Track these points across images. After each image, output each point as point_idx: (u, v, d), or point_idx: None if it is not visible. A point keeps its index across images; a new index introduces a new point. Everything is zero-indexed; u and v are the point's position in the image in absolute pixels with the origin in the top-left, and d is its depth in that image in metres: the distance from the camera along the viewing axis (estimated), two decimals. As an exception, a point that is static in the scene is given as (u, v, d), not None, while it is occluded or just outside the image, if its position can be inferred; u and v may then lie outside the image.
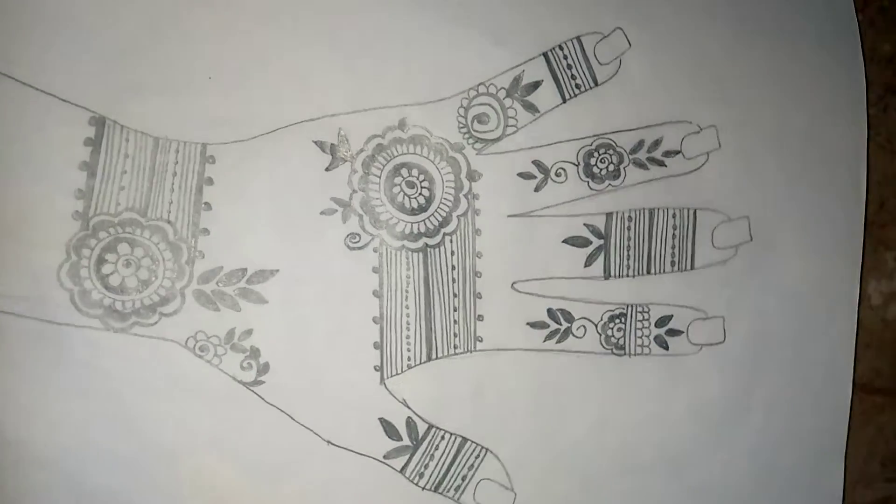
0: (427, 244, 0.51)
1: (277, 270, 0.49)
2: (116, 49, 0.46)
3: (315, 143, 0.49)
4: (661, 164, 0.55)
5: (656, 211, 0.55)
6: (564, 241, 0.54)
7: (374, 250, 0.50)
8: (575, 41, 0.53)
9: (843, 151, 0.60)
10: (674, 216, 0.55)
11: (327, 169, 0.49)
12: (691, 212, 0.56)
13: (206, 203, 0.47)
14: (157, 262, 0.47)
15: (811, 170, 0.59)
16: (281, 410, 0.49)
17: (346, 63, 0.50)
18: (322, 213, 0.49)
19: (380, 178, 0.50)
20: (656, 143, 0.55)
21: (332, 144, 0.49)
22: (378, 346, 0.51)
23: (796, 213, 0.59)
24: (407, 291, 0.51)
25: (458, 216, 0.52)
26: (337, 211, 0.50)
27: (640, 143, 0.55)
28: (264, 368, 0.49)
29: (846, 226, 0.60)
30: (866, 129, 0.60)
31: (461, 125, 0.52)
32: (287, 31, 0.49)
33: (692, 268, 0.56)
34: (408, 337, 0.51)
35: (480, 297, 0.52)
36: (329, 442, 0.50)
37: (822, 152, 0.59)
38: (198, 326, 0.48)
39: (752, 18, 0.57)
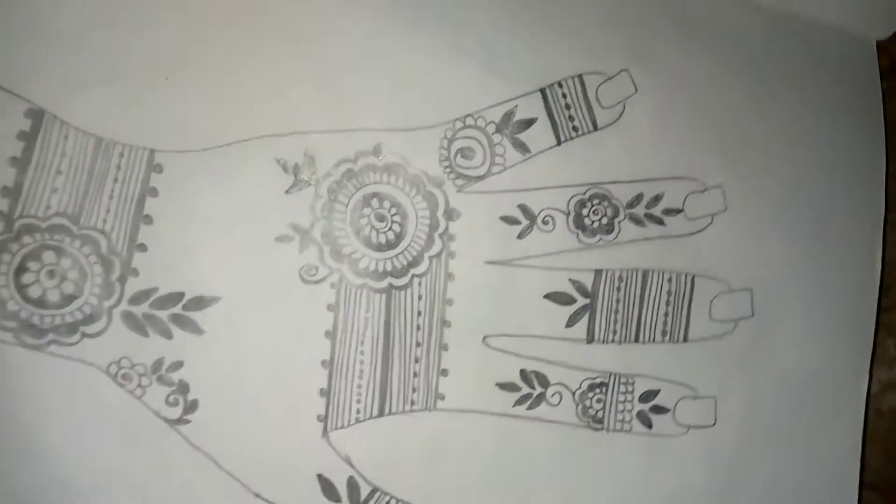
0: (392, 285, 0.46)
1: (219, 298, 0.43)
2: (64, 35, 0.42)
3: (277, 161, 0.44)
4: (660, 222, 0.50)
5: (650, 273, 0.50)
6: (546, 297, 0.48)
7: (332, 286, 0.45)
8: (576, 79, 0.49)
9: (859, 227, 0.55)
10: (669, 281, 0.50)
11: (288, 191, 0.45)
12: (689, 278, 0.51)
13: (146, 216, 0.43)
14: (85, 275, 0.42)
15: (823, 244, 0.54)
16: (206, 454, 0.43)
17: (323, 77, 0.45)
18: (277, 239, 0.44)
19: (347, 206, 0.46)
20: (656, 199, 0.50)
21: (296, 164, 0.45)
22: (324, 393, 0.45)
23: (804, 289, 0.53)
24: (364, 335, 0.46)
25: (430, 257, 0.47)
26: (294, 238, 0.45)
27: (639, 198, 0.50)
28: (192, 406, 0.43)
29: (857, 308, 0.55)
30: (884, 204, 0.55)
31: (443, 158, 0.47)
32: (260, 36, 0.44)
33: (685, 339, 0.51)
34: (359, 386, 0.46)
35: (447, 350, 0.47)
36: (257, 495, 0.44)
37: (836, 226, 0.54)
38: (123, 352, 0.42)
39: (771, 76, 0.53)
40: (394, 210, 0.46)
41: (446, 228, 0.47)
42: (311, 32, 0.45)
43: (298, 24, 0.45)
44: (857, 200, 0.54)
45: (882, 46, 0.56)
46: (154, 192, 0.43)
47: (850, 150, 0.55)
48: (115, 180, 0.42)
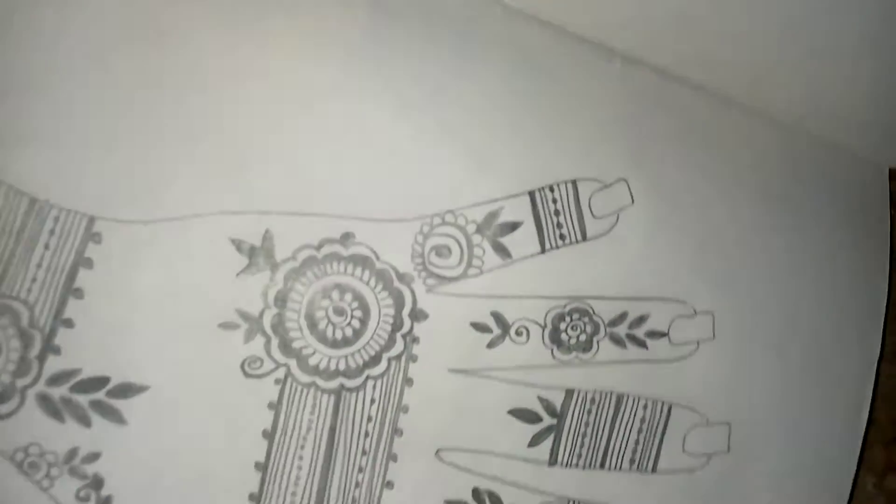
0: (343, 385, 0.42)
1: (148, 387, 0.39)
2: (5, 84, 0.37)
3: (232, 240, 0.40)
4: (642, 344, 0.46)
5: (625, 398, 0.46)
6: (510, 412, 0.45)
7: (277, 382, 0.41)
8: (569, 185, 0.45)
9: (851, 365, 0.51)
10: (644, 407, 0.47)
11: (240, 274, 0.40)
12: (666, 406, 0.47)
13: (77, 289, 0.38)
14: (-1, 349, 0.37)
15: (812, 380, 0.50)
16: (114, 559, 0.39)
17: (292, 155, 0.41)
18: (221, 325, 0.40)
19: (303, 296, 0.41)
20: (641, 320, 0.46)
21: (252, 246, 0.41)
22: (254, 497, 0.41)
23: (786, 427, 0.50)
24: (305, 439, 0.42)
25: (389, 358, 0.43)
26: (240, 327, 0.40)
27: (622, 317, 0.46)
28: (105, 503, 0.39)
29: (840, 447, 0.52)
30: (881, 342, 0.52)
31: (416, 254, 0.43)
32: (227, 106, 0.40)
33: (654, 470, 0.47)
34: (294, 493, 0.42)
35: (395, 461, 0.43)
36: None
37: (826, 362, 0.51)
38: (33, 437, 0.38)
39: (776, 197, 0.50)
40: (355, 304, 0.42)
41: (411, 329, 0.43)
42: (284, 106, 0.41)
43: (271, 96, 0.41)
44: (853, 337, 0.51)
45: (895, 173, 0.53)
46: (88, 264, 0.38)
47: (852, 279, 0.51)
48: (47, 247, 0.38)
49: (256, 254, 0.41)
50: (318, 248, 0.42)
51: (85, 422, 0.39)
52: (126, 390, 0.39)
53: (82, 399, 0.39)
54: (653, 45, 0.47)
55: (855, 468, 0.52)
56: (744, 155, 0.49)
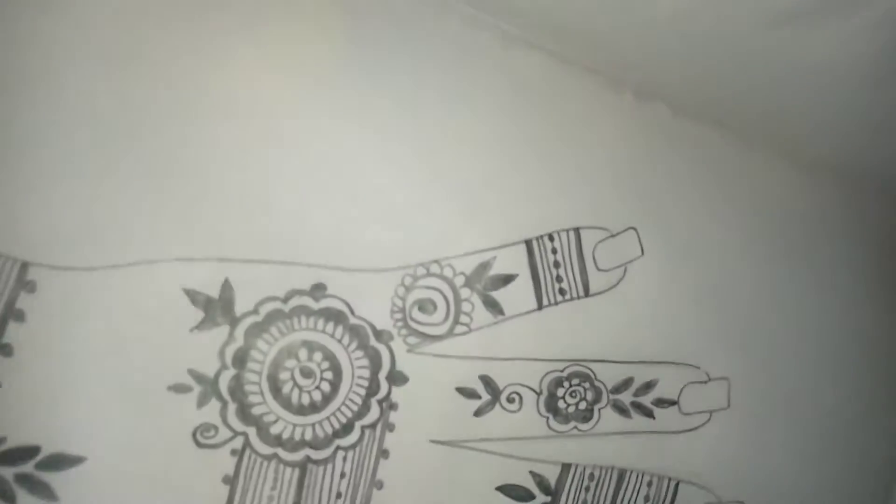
0: (310, 457, 0.37)
1: (84, 459, 0.34)
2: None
3: (185, 291, 0.36)
4: (649, 413, 0.42)
5: (628, 473, 0.42)
6: (499, 489, 0.41)
7: (233, 453, 0.36)
8: (571, 233, 0.40)
9: (878, 440, 0.47)
10: (649, 484, 0.42)
11: (194, 330, 0.36)
12: (672, 483, 0.43)
13: (5, 345, 0.34)
14: (-89, 413, 0.32)
15: (834, 458, 0.46)
16: None
17: (258, 193, 0.37)
18: (171, 388, 0.36)
19: (266, 355, 0.37)
20: (648, 386, 0.42)
21: (208, 298, 0.36)
22: (205, 585, 0.36)
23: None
24: (265, 518, 0.37)
25: (362, 427, 0.38)
26: (193, 390, 0.36)
27: (627, 382, 0.42)
28: None
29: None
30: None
31: (396, 308, 0.38)
32: (185, 133, 0.36)
33: (659, 555, 0.42)
34: (250, 580, 0.36)
35: (367, 544, 0.38)
36: None
37: (851, 436, 0.46)
38: (-55, 517, 0.33)
39: (799, 252, 0.45)
40: (325, 365, 0.38)
41: (388, 394, 0.38)
42: (249, 140, 0.36)
43: (235, 128, 0.36)
44: (882, 405, 0.47)
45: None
46: (20, 317, 0.34)
47: (882, 343, 0.47)
48: (-29, 296, 0.33)
49: (213, 306, 0.36)
50: (285, 300, 0.37)
51: (9, 498, 0.34)
52: (59, 462, 0.34)
53: (7, 472, 0.34)
54: (665, 82, 0.42)
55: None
56: (765, 201, 0.45)
